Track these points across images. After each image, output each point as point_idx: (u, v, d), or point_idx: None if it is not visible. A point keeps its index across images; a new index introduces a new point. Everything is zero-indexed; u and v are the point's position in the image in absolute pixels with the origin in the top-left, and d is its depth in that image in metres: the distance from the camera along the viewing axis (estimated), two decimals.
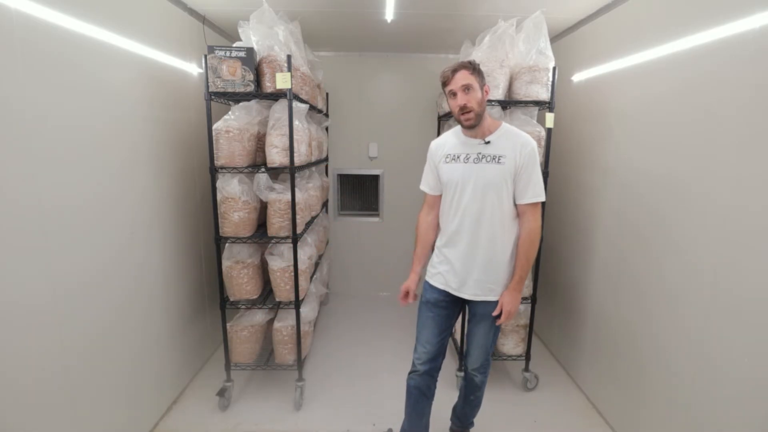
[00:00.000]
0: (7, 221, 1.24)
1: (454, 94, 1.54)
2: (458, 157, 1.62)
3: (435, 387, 1.80)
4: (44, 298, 1.38)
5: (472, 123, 1.54)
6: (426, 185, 1.77)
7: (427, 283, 1.77)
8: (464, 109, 1.52)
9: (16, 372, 1.28)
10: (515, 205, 1.61)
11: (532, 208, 1.59)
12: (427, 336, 1.73)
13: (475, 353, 1.76)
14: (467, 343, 1.80)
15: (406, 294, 1.77)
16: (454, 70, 1.52)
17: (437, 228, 1.81)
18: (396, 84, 3.57)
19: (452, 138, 1.68)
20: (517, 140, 1.58)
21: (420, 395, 1.77)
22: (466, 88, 1.51)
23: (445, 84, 1.56)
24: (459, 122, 1.59)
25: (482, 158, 1.58)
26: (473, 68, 1.53)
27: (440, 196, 1.74)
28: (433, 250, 1.81)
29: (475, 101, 1.52)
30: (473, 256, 1.62)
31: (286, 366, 2.30)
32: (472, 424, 2.01)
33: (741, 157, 1.37)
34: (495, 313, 1.63)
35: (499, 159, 1.56)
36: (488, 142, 1.58)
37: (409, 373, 1.79)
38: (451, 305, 1.74)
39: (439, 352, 1.75)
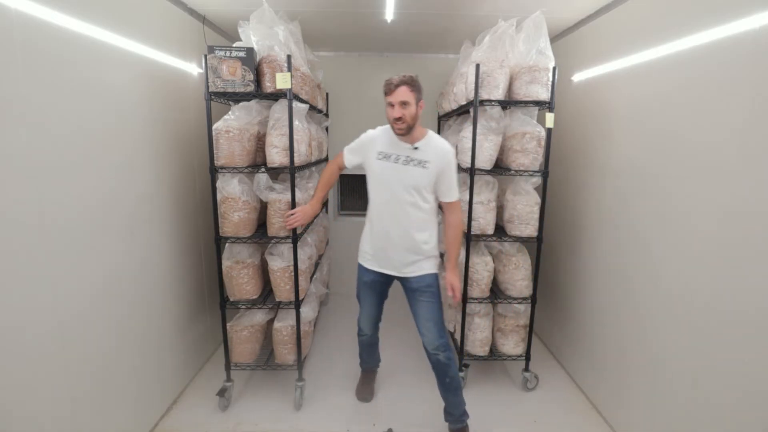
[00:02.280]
0: (7, 221, 1.24)
1: (392, 105, 1.73)
2: (389, 156, 1.84)
3: (378, 336, 2.26)
4: (44, 297, 1.38)
5: (403, 132, 1.77)
6: (348, 158, 2.02)
7: (361, 266, 2.05)
8: (399, 121, 1.73)
9: (16, 371, 1.28)
10: (434, 200, 1.91)
11: (455, 205, 1.91)
12: (369, 309, 2.11)
13: (428, 327, 1.92)
14: (418, 323, 1.96)
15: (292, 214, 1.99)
16: (397, 85, 1.71)
17: (336, 179, 2.16)
18: None
19: (386, 136, 1.88)
20: (441, 148, 1.83)
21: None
22: (404, 104, 1.71)
23: (386, 94, 1.75)
24: (392, 128, 1.80)
25: (410, 161, 1.82)
26: (413, 85, 1.73)
27: (351, 167, 2.04)
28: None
29: (410, 115, 1.73)
30: (396, 242, 1.88)
31: (286, 366, 2.30)
32: (466, 414, 1.99)
33: (741, 156, 1.37)
34: (449, 293, 1.87)
35: (424, 164, 1.80)
36: (416, 148, 1.81)
37: (359, 335, 2.22)
38: (384, 284, 2.05)
39: (378, 318, 2.17)
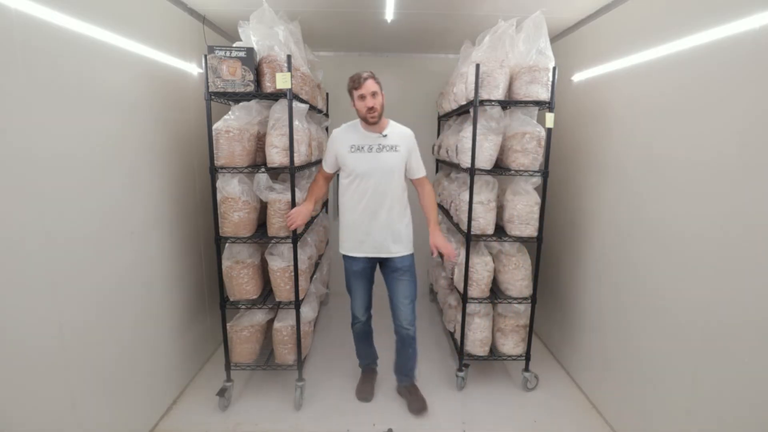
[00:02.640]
0: (7, 221, 1.24)
1: (363, 97, 1.90)
2: (362, 148, 1.99)
3: (371, 325, 2.35)
4: (44, 299, 1.38)
5: (376, 121, 1.95)
6: (327, 165, 2.13)
7: (348, 257, 2.14)
8: (371, 110, 1.90)
9: (16, 372, 1.28)
10: (404, 180, 2.09)
11: (424, 179, 2.15)
12: (361, 295, 2.21)
13: (406, 304, 2.11)
14: (395, 300, 2.14)
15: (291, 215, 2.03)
16: (365, 79, 1.89)
17: (326, 189, 2.27)
18: (396, 84, 3.56)
19: (352, 131, 2.04)
20: (404, 133, 2.06)
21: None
22: (374, 94, 1.90)
23: (355, 88, 1.91)
24: (365, 119, 1.96)
25: (383, 148, 2.00)
26: (376, 79, 1.94)
27: (334, 172, 2.16)
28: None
29: (379, 104, 1.93)
30: (381, 224, 2.03)
31: (286, 366, 2.30)
32: (415, 376, 2.26)
33: (742, 157, 1.37)
34: (435, 255, 2.05)
35: (396, 148, 2.01)
36: (385, 135, 2.00)
37: (354, 324, 2.29)
38: (372, 269, 2.19)
39: (370, 304, 2.27)
